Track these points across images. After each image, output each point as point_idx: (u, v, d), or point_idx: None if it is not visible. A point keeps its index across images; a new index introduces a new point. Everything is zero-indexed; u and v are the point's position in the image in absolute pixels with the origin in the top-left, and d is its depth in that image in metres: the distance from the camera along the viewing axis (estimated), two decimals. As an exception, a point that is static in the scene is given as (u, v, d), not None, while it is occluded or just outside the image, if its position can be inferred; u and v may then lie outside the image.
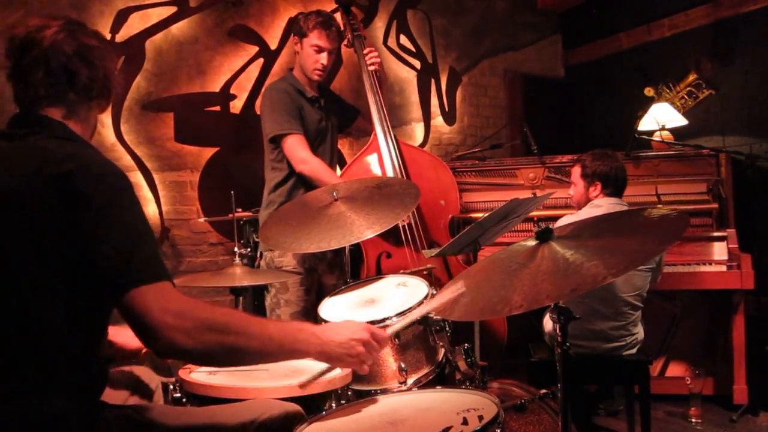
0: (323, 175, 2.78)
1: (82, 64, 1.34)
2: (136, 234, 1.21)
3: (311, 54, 2.89)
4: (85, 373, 1.27)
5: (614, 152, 2.99)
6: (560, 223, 2.74)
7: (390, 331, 1.63)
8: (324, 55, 2.90)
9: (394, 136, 3.12)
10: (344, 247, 2.92)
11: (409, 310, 1.91)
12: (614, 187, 2.84)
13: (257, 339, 1.29)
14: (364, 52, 3.15)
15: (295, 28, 2.96)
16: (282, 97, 2.87)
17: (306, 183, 2.83)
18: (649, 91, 4.61)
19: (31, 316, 1.20)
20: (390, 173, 3.02)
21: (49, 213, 1.18)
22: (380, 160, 3.07)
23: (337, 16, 3.14)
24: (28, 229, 1.19)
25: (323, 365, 1.80)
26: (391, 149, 3.06)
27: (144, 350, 1.73)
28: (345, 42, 3.20)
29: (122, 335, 1.68)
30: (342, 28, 3.12)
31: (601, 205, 2.79)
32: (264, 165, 2.98)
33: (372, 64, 3.12)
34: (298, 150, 2.81)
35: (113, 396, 1.61)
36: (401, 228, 2.94)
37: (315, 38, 2.87)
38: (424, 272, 2.29)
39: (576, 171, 2.94)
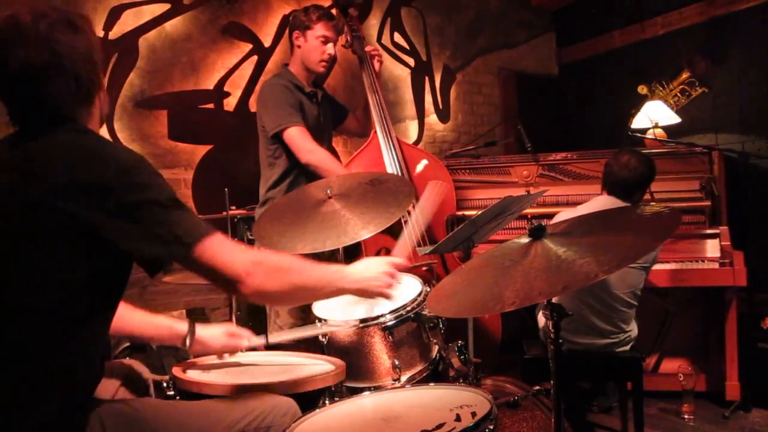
0: (330, 165, 2.77)
1: (32, 80, 1.28)
2: (169, 206, 1.24)
3: (318, 45, 2.89)
4: (77, 367, 1.26)
5: (633, 156, 2.79)
6: (555, 219, 2.75)
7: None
8: (330, 45, 2.91)
9: (395, 135, 3.13)
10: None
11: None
12: (607, 186, 2.84)
13: (314, 276, 1.47)
14: (367, 49, 3.17)
15: (295, 23, 2.96)
16: (283, 91, 2.86)
17: (305, 178, 2.81)
18: (642, 89, 4.63)
19: (14, 300, 1.19)
20: (390, 171, 3.03)
21: (74, 212, 1.17)
22: (380, 159, 3.08)
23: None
24: (46, 231, 1.18)
25: (313, 369, 1.82)
26: (391, 148, 3.07)
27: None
28: (343, 43, 3.20)
29: None
30: (340, 29, 3.13)
31: (596, 201, 2.83)
32: (260, 162, 2.97)
33: (374, 56, 3.17)
34: (303, 140, 2.79)
35: (105, 387, 1.59)
36: (403, 224, 2.94)
37: (321, 29, 2.88)
38: (424, 268, 2.29)
39: None
